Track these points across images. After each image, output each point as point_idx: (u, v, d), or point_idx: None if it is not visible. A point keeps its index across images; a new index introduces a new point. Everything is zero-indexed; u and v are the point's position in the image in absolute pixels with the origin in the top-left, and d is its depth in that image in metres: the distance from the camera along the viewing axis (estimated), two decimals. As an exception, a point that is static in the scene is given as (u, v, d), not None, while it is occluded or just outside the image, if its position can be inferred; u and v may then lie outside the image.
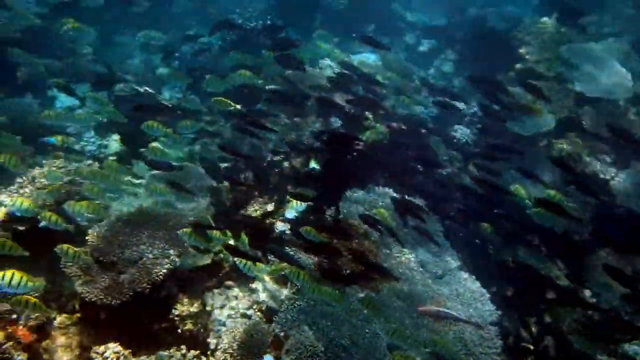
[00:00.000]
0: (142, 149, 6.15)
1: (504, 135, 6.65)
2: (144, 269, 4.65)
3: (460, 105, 6.36)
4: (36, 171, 5.47)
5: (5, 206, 4.96)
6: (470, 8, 10.22)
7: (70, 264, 4.61)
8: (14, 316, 4.20)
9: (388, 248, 5.03)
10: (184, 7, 10.38)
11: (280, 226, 5.14)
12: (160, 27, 8.64)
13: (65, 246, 4.31)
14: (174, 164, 5.68)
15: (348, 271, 4.67)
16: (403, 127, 6.25)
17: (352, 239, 4.85)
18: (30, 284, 3.67)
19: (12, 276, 3.59)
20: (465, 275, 5.11)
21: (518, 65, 7.48)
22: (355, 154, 5.79)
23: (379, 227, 4.71)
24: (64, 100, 8.00)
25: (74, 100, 7.83)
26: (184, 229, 4.63)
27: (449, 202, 5.95)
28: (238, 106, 5.49)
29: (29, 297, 3.76)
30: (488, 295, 4.95)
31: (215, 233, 4.65)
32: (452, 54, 9.59)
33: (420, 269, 4.97)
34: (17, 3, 8.53)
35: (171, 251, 4.87)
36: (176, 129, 5.53)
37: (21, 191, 5.28)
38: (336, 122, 6.16)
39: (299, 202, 5.14)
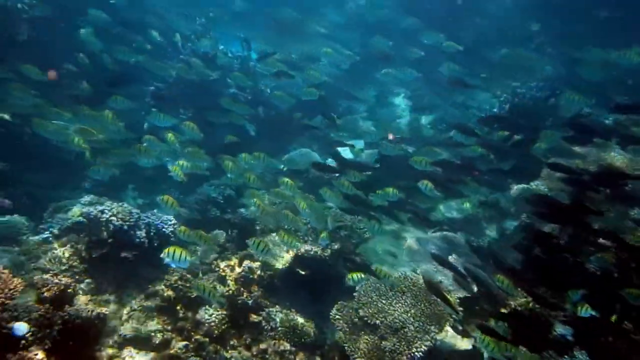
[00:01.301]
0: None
1: None
2: (405, 341, 4.62)
3: None
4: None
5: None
6: None
7: (339, 317, 4.96)
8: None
9: None
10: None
11: (561, 329, 4.36)
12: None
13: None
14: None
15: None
16: None
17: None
18: (189, 258, 4.40)
19: (174, 251, 4.33)
20: None
21: None
22: None
23: None
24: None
25: (349, 154, 8.77)
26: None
27: None
28: None
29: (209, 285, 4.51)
30: None
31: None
32: None
33: None
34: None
35: (432, 327, 4.73)
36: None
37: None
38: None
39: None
